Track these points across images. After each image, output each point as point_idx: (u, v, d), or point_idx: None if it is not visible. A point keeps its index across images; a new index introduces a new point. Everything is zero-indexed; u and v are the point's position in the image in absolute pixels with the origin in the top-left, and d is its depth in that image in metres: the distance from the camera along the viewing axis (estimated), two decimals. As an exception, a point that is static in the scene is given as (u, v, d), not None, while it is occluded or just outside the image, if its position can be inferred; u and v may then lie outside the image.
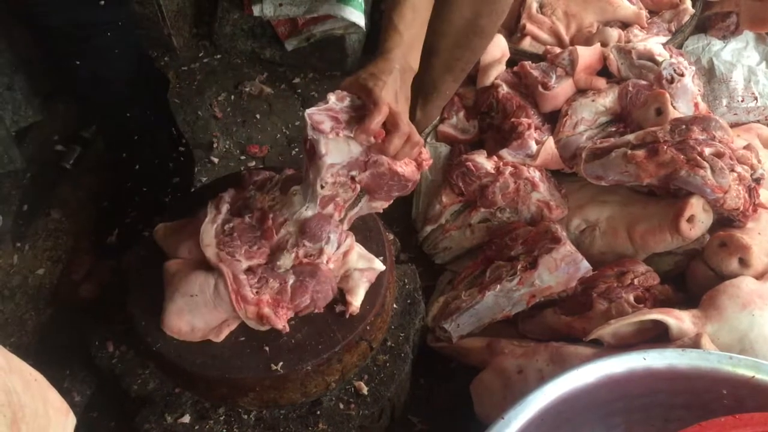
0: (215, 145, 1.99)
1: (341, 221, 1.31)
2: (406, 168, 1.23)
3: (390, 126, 1.16)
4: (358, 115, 1.17)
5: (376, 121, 1.14)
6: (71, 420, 0.83)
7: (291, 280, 1.26)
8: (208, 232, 1.28)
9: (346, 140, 1.17)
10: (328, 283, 1.28)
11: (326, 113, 1.16)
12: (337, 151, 1.18)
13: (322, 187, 1.22)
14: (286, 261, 1.27)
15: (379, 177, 1.22)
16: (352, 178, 1.23)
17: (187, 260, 1.31)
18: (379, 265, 1.34)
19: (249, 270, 1.26)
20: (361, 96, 1.18)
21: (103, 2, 1.45)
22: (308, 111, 1.15)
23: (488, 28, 1.60)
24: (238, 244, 1.26)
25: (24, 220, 1.80)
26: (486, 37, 1.64)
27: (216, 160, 1.97)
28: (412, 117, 1.81)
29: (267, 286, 1.25)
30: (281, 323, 1.23)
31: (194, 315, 1.25)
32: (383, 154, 1.18)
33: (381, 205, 1.32)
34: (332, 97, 1.18)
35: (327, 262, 1.29)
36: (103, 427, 1.50)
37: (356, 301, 1.30)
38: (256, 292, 1.24)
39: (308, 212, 1.27)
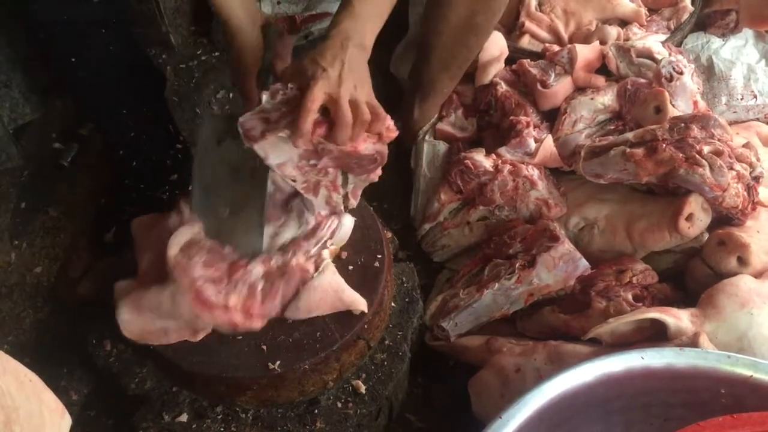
0: (213, 143, 1.98)
1: (342, 201, 1.28)
2: (365, 146, 1.17)
3: (333, 115, 1.11)
4: (293, 108, 1.11)
5: (307, 123, 1.09)
6: (66, 421, 0.83)
7: (260, 285, 1.23)
8: (178, 238, 1.24)
9: (283, 140, 1.12)
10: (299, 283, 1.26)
11: (258, 117, 1.13)
12: (278, 151, 1.14)
13: (294, 180, 1.20)
14: (256, 270, 1.24)
15: (340, 159, 1.18)
16: (315, 166, 1.18)
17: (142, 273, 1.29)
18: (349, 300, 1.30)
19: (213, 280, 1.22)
20: (299, 86, 1.12)
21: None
22: (241, 119, 1.12)
23: (484, 26, 1.60)
24: (197, 258, 1.22)
25: (21, 218, 1.79)
26: (482, 35, 1.64)
27: (214, 157, 1.96)
28: (410, 116, 1.81)
29: (235, 291, 1.21)
30: (255, 323, 1.21)
31: (161, 322, 1.24)
32: (333, 143, 1.14)
33: (371, 176, 1.26)
34: (264, 96, 1.13)
35: (304, 260, 1.27)
36: (101, 425, 1.50)
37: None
38: (225, 295, 1.20)
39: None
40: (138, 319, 1.24)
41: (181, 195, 1.33)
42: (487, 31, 1.65)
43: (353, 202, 1.31)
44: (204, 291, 1.19)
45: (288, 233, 1.30)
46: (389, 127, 1.18)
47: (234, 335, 1.26)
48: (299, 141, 1.10)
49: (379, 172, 1.26)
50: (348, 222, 1.35)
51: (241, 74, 1.29)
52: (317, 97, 1.08)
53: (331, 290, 1.27)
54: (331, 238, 1.32)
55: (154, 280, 1.25)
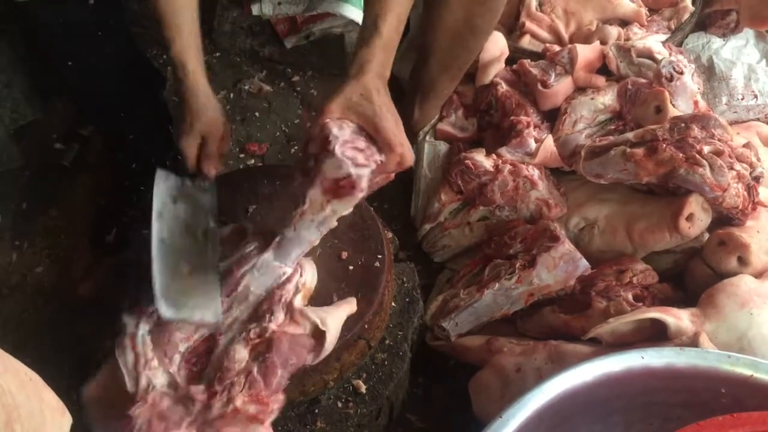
0: (214, 144, 1.99)
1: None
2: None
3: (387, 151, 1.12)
4: (366, 136, 1.12)
5: (394, 165, 1.12)
6: (67, 419, 0.83)
7: (255, 369, 1.15)
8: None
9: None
10: (294, 342, 1.19)
11: (349, 147, 1.10)
12: (369, 179, 1.12)
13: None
14: (241, 354, 1.16)
15: (375, 186, 1.16)
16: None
17: None
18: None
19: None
20: (362, 125, 1.12)
21: (92, 1, 1.44)
22: (337, 150, 1.08)
23: (483, 27, 1.59)
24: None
25: (23, 219, 1.80)
26: (481, 36, 1.64)
27: (215, 158, 1.96)
28: (411, 117, 1.81)
29: (235, 388, 1.13)
30: (276, 404, 1.14)
31: None
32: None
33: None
34: (335, 129, 1.10)
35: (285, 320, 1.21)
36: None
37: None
38: (227, 401, 1.12)
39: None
40: None
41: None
42: (486, 32, 1.64)
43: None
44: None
45: (254, 294, 1.23)
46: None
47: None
48: (383, 177, 1.13)
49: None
50: (310, 269, 1.30)
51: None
52: (394, 135, 1.10)
53: (339, 320, 1.23)
54: (297, 292, 1.24)
55: None
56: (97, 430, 1.17)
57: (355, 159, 1.09)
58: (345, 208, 1.16)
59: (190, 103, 1.32)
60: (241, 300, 1.22)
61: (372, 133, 1.11)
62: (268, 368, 1.14)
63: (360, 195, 1.12)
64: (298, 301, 1.22)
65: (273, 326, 1.17)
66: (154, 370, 1.16)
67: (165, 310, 1.14)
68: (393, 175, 1.18)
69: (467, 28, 1.57)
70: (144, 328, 1.19)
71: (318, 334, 1.20)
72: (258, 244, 1.26)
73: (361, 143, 1.11)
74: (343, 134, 1.10)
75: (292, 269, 1.25)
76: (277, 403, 1.14)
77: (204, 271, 1.23)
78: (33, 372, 0.80)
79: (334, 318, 1.23)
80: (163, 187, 1.29)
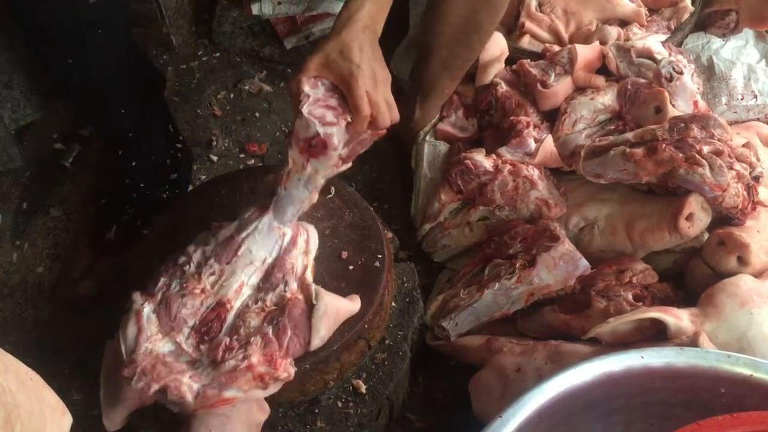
0: (214, 143, 1.99)
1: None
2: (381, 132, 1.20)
3: (372, 119, 1.13)
4: (340, 94, 1.13)
5: (361, 127, 1.12)
6: (68, 419, 0.83)
7: (270, 330, 1.18)
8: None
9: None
10: (305, 313, 1.22)
11: (320, 105, 1.12)
12: (342, 138, 1.14)
13: (323, 177, 1.21)
14: (254, 320, 1.19)
15: (359, 145, 1.18)
16: (339, 156, 1.18)
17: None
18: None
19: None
20: (336, 83, 1.12)
21: (92, 0, 1.44)
22: (305, 109, 1.11)
23: (486, 25, 1.59)
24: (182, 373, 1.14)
25: (23, 218, 1.80)
26: (484, 34, 1.63)
27: (215, 158, 1.97)
28: (411, 116, 1.81)
29: (251, 346, 1.16)
30: (284, 374, 1.16)
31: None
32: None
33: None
34: (306, 87, 1.12)
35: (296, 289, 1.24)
36: (102, 425, 1.50)
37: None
38: (243, 358, 1.14)
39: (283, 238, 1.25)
40: None
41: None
42: (489, 30, 1.64)
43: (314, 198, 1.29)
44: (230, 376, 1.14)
45: (257, 256, 1.25)
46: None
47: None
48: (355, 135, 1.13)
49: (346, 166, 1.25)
50: (312, 228, 1.33)
51: None
52: (362, 96, 1.09)
53: (335, 311, 1.25)
54: (308, 246, 1.29)
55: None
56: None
57: (323, 118, 1.11)
58: (324, 166, 1.17)
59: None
60: (245, 264, 1.23)
61: (345, 92, 1.11)
62: (281, 330, 1.17)
63: (335, 154, 1.14)
64: (309, 274, 1.26)
65: (288, 294, 1.21)
66: (156, 342, 1.17)
67: None
68: (380, 135, 1.18)
69: (470, 25, 1.56)
70: (150, 307, 1.20)
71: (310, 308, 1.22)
72: (257, 209, 1.28)
73: (333, 101, 1.12)
74: (316, 93, 1.12)
75: (291, 230, 1.27)
76: (285, 372, 1.15)
77: None
78: (33, 372, 0.80)
79: (333, 301, 1.24)
80: None
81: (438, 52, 1.64)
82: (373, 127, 1.14)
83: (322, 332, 1.22)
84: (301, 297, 1.23)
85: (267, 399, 1.28)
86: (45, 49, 1.49)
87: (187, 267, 1.23)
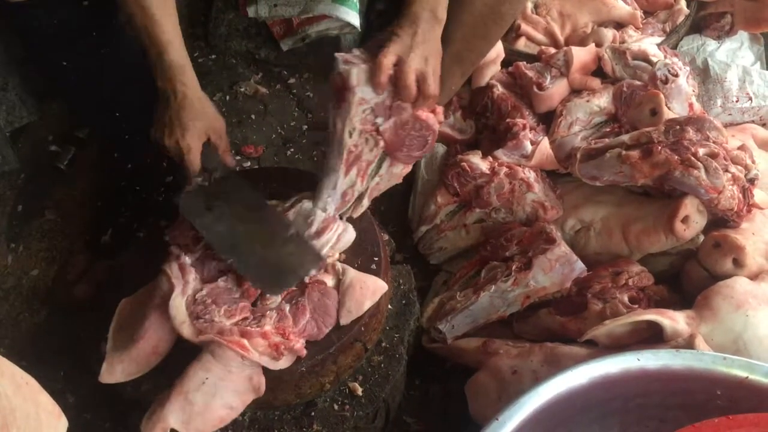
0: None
1: (361, 197, 1.34)
2: (425, 114, 1.28)
3: (397, 78, 1.21)
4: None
5: (377, 80, 1.20)
6: (63, 423, 0.83)
7: (287, 307, 1.24)
8: (179, 307, 1.22)
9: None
10: (324, 294, 1.26)
11: (356, 56, 1.23)
12: (366, 85, 1.21)
13: (350, 134, 1.25)
14: (275, 297, 1.26)
15: (402, 127, 1.27)
16: (377, 130, 1.26)
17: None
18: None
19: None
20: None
21: (86, 3, 1.44)
22: (338, 54, 1.22)
23: (507, 17, 1.60)
24: (215, 308, 1.21)
25: (18, 221, 1.79)
26: (504, 25, 1.63)
27: (211, 160, 1.96)
28: None
29: (265, 319, 1.21)
30: (298, 344, 1.21)
31: (219, 397, 1.18)
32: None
33: (401, 172, 1.36)
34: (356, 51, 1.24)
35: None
36: (97, 428, 1.50)
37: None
38: (257, 327, 1.20)
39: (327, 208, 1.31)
40: (194, 413, 1.18)
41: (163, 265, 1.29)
42: (508, 22, 1.64)
43: (364, 205, 1.36)
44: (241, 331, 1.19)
45: None
46: (437, 111, 1.30)
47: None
48: (377, 87, 1.21)
49: (406, 170, 1.36)
50: (351, 231, 1.36)
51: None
52: (389, 53, 1.20)
53: (362, 281, 1.30)
54: (337, 242, 1.33)
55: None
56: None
57: (345, 58, 1.22)
58: (345, 116, 1.24)
59: (192, 103, 1.34)
60: None
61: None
62: (299, 309, 1.23)
63: (354, 98, 1.21)
64: (331, 258, 1.33)
65: (306, 279, 1.27)
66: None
67: (270, 291, 1.26)
68: (423, 120, 1.28)
69: (493, 16, 1.57)
70: (189, 260, 1.28)
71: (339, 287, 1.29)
72: (297, 198, 1.36)
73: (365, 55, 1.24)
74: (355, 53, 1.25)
75: (321, 219, 1.32)
76: (297, 343, 1.20)
77: (278, 236, 1.30)
78: (29, 376, 0.80)
79: (359, 276, 1.30)
80: (191, 208, 1.32)
81: (452, 45, 1.62)
82: (420, 95, 1.22)
83: (348, 305, 1.27)
84: (323, 280, 1.28)
85: (265, 399, 1.28)
86: (40, 52, 1.49)
87: None
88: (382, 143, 1.28)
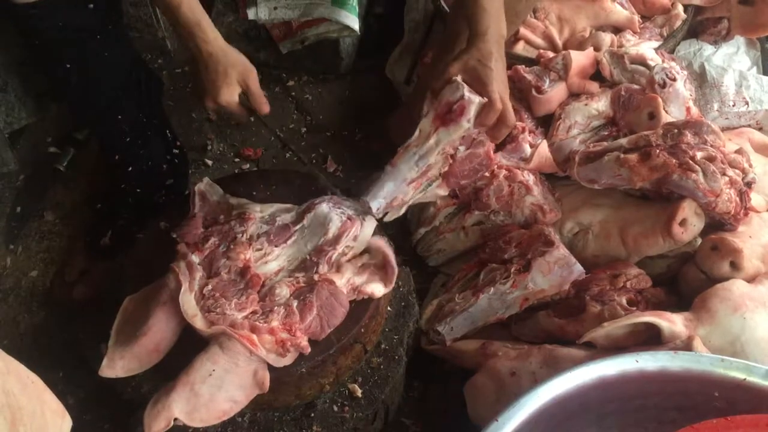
0: (209, 148, 1.99)
1: (404, 204, 1.37)
2: (493, 153, 1.36)
3: (500, 117, 1.27)
4: None
5: (490, 118, 1.26)
6: (67, 422, 0.83)
7: (295, 303, 1.25)
8: (189, 302, 1.23)
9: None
10: (334, 293, 1.27)
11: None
12: (475, 117, 1.27)
13: (440, 153, 1.31)
14: (283, 290, 1.27)
15: (472, 157, 1.34)
16: (453, 155, 1.33)
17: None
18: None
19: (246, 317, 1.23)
20: (473, 85, 1.26)
21: (92, 5, 1.44)
22: (460, 80, 1.27)
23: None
24: (225, 302, 1.22)
25: (17, 222, 1.79)
26: (526, 12, 1.69)
27: (210, 162, 1.97)
28: (415, 119, 1.80)
29: (273, 314, 1.22)
30: (303, 341, 1.21)
31: (225, 390, 1.19)
32: (489, 136, 1.32)
33: (441, 194, 1.40)
34: (459, 79, 1.28)
35: (326, 270, 1.31)
36: (97, 429, 1.50)
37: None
38: (264, 322, 1.21)
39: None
40: (199, 404, 1.18)
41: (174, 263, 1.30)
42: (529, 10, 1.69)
43: (399, 213, 1.40)
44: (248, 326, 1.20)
45: (300, 249, 1.34)
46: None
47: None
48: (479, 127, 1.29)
49: (444, 194, 1.42)
50: (370, 225, 1.37)
51: None
52: (495, 90, 1.25)
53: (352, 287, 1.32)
54: (354, 241, 1.34)
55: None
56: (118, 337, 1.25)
57: (473, 92, 1.27)
58: (449, 137, 1.30)
59: (218, 56, 1.36)
60: (290, 253, 1.34)
61: (480, 91, 1.26)
62: (306, 305, 1.24)
63: (465, 125, 1.27)
64: (344, 258, 1.35)
65: (316, 277, 1.29)
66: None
67: None
68: (487, 153, 1.34)
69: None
70: (197, 258, 1.30)
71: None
72: (310, 204, 1.38)
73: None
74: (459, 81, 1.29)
75: (340, 220, 1.34)
76: (303, 340, 1.21)
77: None
78: (34, 374, 0.80)
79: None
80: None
81: None
82: (502, 125, 1.28)
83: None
84: (333, 278, 1.29)
85: (265, 401, 1.29)
86: (42, 53, 1.49)
87: (240, 235, 1.32)
88: (447, 167, 1.34)
